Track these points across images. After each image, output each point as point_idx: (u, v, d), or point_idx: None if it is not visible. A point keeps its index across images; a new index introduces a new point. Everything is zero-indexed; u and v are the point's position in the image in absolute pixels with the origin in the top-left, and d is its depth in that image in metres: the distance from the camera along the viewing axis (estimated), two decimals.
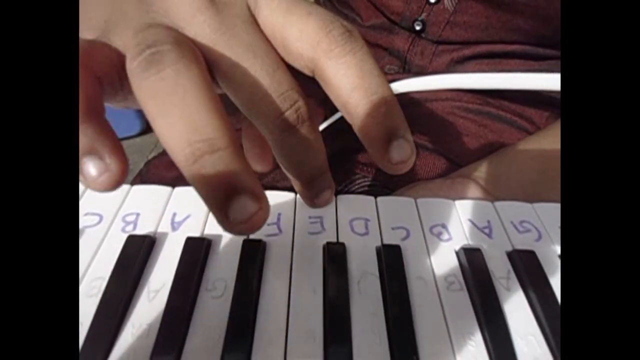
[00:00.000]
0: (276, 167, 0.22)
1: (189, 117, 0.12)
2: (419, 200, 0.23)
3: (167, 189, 0.22)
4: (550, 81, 0.33)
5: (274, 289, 0.18)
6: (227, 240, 0.20)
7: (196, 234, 0.20)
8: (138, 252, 0.18)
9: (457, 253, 0.20)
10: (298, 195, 0.22)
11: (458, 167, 0.33)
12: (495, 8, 0.33)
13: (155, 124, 0.13)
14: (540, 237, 0.21)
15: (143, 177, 0.39)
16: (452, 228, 0.21)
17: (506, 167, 0.30)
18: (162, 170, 0.38)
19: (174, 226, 0.20)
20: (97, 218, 0.20)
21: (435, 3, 0.35)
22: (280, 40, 0.15)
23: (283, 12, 0.15)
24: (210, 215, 0.21)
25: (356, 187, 0.33)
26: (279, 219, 0.21)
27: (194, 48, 0.14)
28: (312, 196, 0.18)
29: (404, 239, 0.21)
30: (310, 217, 0.21)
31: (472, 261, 0.19)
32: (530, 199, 0.23)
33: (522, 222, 0.22)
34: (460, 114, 0.37)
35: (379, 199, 0.23)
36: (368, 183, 0.33)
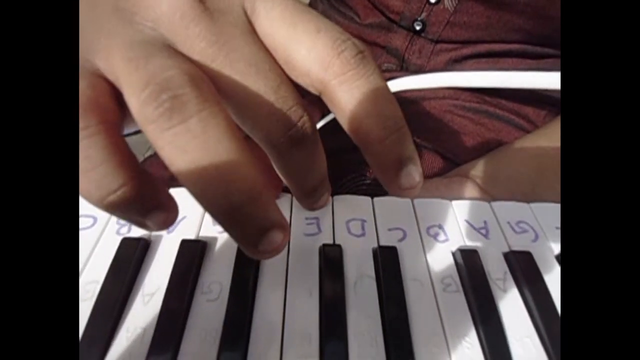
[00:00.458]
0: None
1: (225, 172, 0.12)
2: (416, 201, 0.23)
3: None
4: (548, 79, 0.33)
5: (270, 291, 0.18)
6: (222, 243, 0.20)
7: (191, 236, 0.20)
8: (132, 255, 0.18)
9: (453, 254, 0.20)
10: (294, 197, 0.22)
11: (455, 165, 0.33)
12: (495, 8, 0.33)
13: (184, 180, 0.13)
14: (537, 237, 0.21)
15: None
16: (449, 229, 0.21)
17: (503, 166, 0.30)
18: (158, 169, 0.38)
19: (169, 228, 0.20)
20: (91, 220, 0.20)
21: (436, 3, 0.35)
22: (284, 54, 0.15)
23: (287, 25, 0.14)
24: (206, 217, 0.21)
25: (353, 185, 0.33)
26: None
27: (209, 83, 0.13)
28: (312, 203, 0.18)
29: (401, 240, 0.20)
30: (306, 219, 0.21)
31: (468, 262, 0.19)
32: (528, 198, 0.23)
33: (518, 222, 0.22)
34: (457, 112, 0.37)
35: (376, 199, 0.23)
36: (365, 182, 0.33)
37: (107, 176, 0.12)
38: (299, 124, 0.14)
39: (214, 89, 0.13)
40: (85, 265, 0.18)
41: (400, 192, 0.16)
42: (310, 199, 0.18)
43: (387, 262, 0.19)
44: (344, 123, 0.15)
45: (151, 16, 0.13)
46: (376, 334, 0.16)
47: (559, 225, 0.22)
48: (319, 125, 0.35)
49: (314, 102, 0.21)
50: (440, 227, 0.21)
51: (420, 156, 0.34)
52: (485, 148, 0.34)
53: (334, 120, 0.36)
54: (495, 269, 0.19)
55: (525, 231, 0.21)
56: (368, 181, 0.33)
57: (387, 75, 0.39)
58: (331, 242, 0.20)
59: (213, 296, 0.17)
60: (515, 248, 0.20)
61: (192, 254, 0.18)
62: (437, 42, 0.37)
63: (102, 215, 0.20)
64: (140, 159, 0.42)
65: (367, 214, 0.22)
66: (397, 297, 0.18)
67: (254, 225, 0.13)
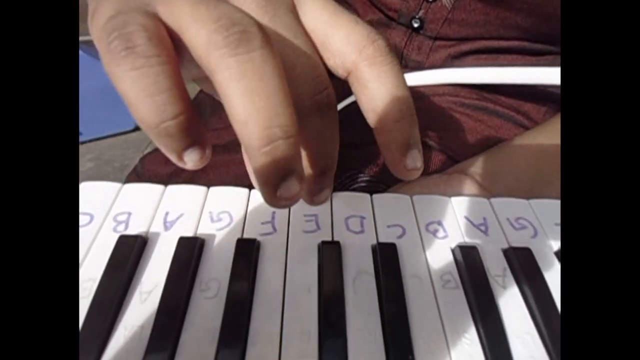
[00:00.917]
0: None
1: (272, 103, 0.13)
2: (415, 197, 0.23)
3: (160, 187, 0.22)
4: (548, 75, 0.32)
5: (268, 288, 0.18)
6: (220, 240, 0.19)
7: (189, 233, 0.20)
8: (130, 253, 0.18)
9: (452, 251, 0.20)
10: None
11: (455, 162, 0.33)
12: (493, 5, 0.33)
13: (234, 103, 0.13)
14: (536, 233, 0.21)
15: (138, 173, 0.39)
16: (448, 225, 0.21)
17: (503, 162, 0.30)
18: (157, 166, 0.38)
19: (167, 226, 0.20)
20: (88, 218, 0.20)
21: (433, 0, 0.35)
22: (322, 37, 0.17)
23: (329, 13, 0.17)
24: (204, 214, 0.21)
25: (352, 182, 0.33)
26: (273, 217, 0.21)
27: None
28: (315, 192, 0.18)
29: (400, 236, 0.20)
30: (305, 215, 0.21)
31: (467, 259, 0.19)
32: (527, 194, 0.23)
33: (518, 218, 0.22)
34: (457, 109, 0.37)
35: (375, 196, 0.22)
36: (364, 179, 0.33)
37: (169, 103, 0.13)
38: (325, 92, 0.16)
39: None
40: (82, 262, 0.18)
41: (405, 172, 0.17)
42: (315, 185, 0.18)
43: (386, 258, 0.19)
44: (365, 101, 0.17)
45: None
46: (375, 330, 0.16)
47: (558, 221, 0.22)
48: None
49: None
50: (440, 223, 0.21)
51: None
52: (485, 145, 0.34)
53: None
54: (495, 265, 0.19)
55: (524, 227, 0.21)
56: (367, 178, 0.32)
57: None
58: (330, 239, 0.20)
59: (211, 293, 0.17)
60: (515, 244, 0.20)
61: (190, 251, 0.18)
62: (435, 39, 0.37)
63: (99, 212, 0.20)
64: (139, 155, 0.42)
65: (366, 211, 0.22)
66: (396, 293, 0.17)
67: (281, 165, 0.14)
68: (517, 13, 0.33)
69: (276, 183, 0.14)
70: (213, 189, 0.22)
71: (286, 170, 0.14)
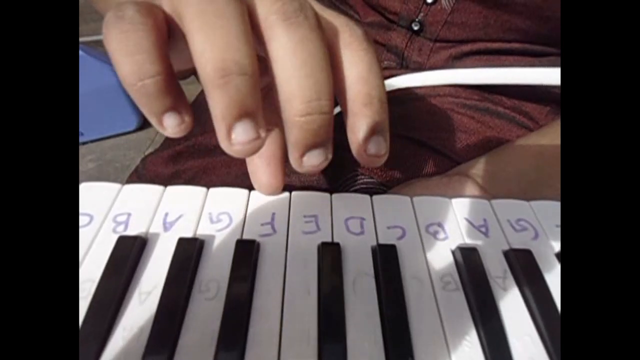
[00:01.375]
0: None
1: (229, 38, 0.14)
2: (415, 199, 0.22)
3: (159, 188, 0.22)
4: (550, 75, 0.32)
5: (268, 289, 0.18)
6: (220, 241, 0.19)
7: (188, 234, 0.19)
8: (129, 253, 0.18)
9: (453, 252, 0.20)
10: (293, 194, 0.22)
11: (456, 164, 0.33)
12: (492, 8, 0.33)
13: (195, 37, 0.14)
14: (537, 235, 0.21)
15: (139, 173, 0.39)
16: (449, 226, 0.21)
17: (504, 164, 0.30)
18: (158, 167, 0.38)
19: (166, 226, 0.20)
20: (87, 218, 0.20)
21: (433, 3, 0.35)
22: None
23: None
24: (203, 215, 0.21)
25: (353, 184, 0.33)
26: (273, 218, 0.21)
27: None
28: (301, 149, 0.16)
29: (400, 238, 0.20)
30: (305, 217, 0.21)
31: (468, 260, 0.19)
32: (528, 196, 0.23)
33: (518, 220, 0.22)
34: (458, 110, 0.37)
35: (375, 197, 0.22)
36: (365, 180, 0.33)
37: (148, 62, 0.14)
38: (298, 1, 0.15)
39: None
40: (81, 263, 0.18)
41: (365, 157, 0.17)
42: (299, 134, 0.15)
43: (386, 260, 0.19)
44: (336, 83, 0.17)
45: None
46: (375, 332, 0.16)
47: (559, 223, 0.22)
48: None
49: None
50: (440, 225, 0.21)
51: (421, 154, 0.34)
52: (486, 146, 0.34)
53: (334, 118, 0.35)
54: (495, 267, 0.19)
55: (525, 229, 0.21)
56: (367, 179, 0.32)
57: (388, 73, 0.38)
58: (330, 240, 0.20)
59: (210, 295, 0.17)
60: (515, 246, 0.20)
61: (189, 252, 0.18)
62: (436, 41, 0.37)
63: (99, 213, 0.20)
64: (141, 156, 0.42)
65: (366, 212, 0.21)
66: (396, 295, 0.17)
67: (235, 103, 0.14)
68: (517, 16, 0.33)
69: (229, 122, 0.14)
70: (212, 190, 0.22)
71: (241, 110, 0.14)
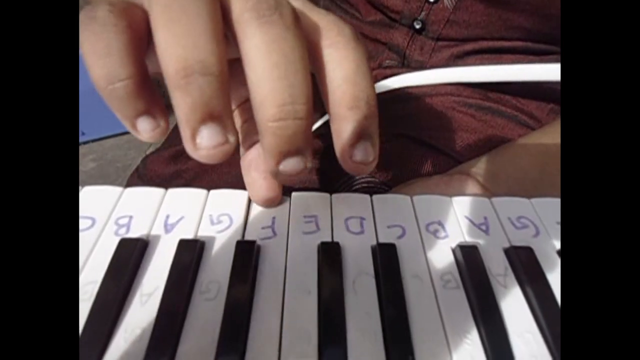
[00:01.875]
0: None
1: (194, 35, 0.13)
2: (415, 198, 0.22)
3: (160, 190, 0.22)
4: (552, 71, 0.32)
5: (268, 289, 0.18)
6: (220, 242, 0.20)
7: (189, 236, 0.20)
8: (130, 255, 0.18)
9: (453, 250, 0.20)
10: (293, 195, 0.22)
11: (457, 163, 0.33)
12: (495, 6, 0.33)
13: (159, 34, 0.13)
14: (537, 233, 0.21)
15: (140, 173, 0.39)
16: (449, 225, 0.21)
17: (505, 163, 0.29)
18: (159, 167, 0.38)
19: (167, 228, 0.20)
20: (89, 221, 0.20)
21: (435, 2, 0.35)
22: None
23: (301, 4, 0.16)
24: (204, 217, 0.21)
25: (353, 184, 0.33)
26: (273, 219, 0.21)
27: None
28: (276, 156, 0.15)
29: (400, 237, 0.20)
30: (304, 217, 0.21)
31: (468, 258, 0.19)
32: (530, 195, 0.23)
33: (519, 217, 0.22)
34: (460, 109, 0.37)
35: (375, 197, 0.22)
36: (365, 180, 0.33)
37: (118, 66, 0.14)
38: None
39: None
40: (83, 266, 0.18)
41: (351, 164, 0.16)
42: (275, 137, 0.14)
43: (386, 259, 0.19)
44: (321, 85, 0.16)
45: None
46: (376, 331, 0.16)
47: (560, 220, 0.21)
48: (318, 124, 0.35)
49: (315, 101, 0.21)
50: (440, 223, 0.21)
51: (422, 154, 0.34)
52: (488, 145, 0.34)
53: None
54: (496, 264, 0.19)
55: (525, 226, 0.21)
56: (367, 179, 0.32)
57: (389, 72, 0.38)
58: (330, 240, 0.20)
59: (211, 295, 0.17)
60: (516, 244, 0.20)
61: (190, 253, 0.18)
62: (437, 39, 0.37)
63: (101, 216, 0.20)
64: (142, 156, 0.42)
65: (365, 212, 0.22)
66: (397, 294, 0.17)
67: (198, 104, 0.13)
68: (519, 14, 0.33)
69: (193, 126, 0.14)
70: (213, 192, 0.22)
71: (205, 113, 0.13)
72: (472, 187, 0.26)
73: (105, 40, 0.14)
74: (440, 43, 0.37)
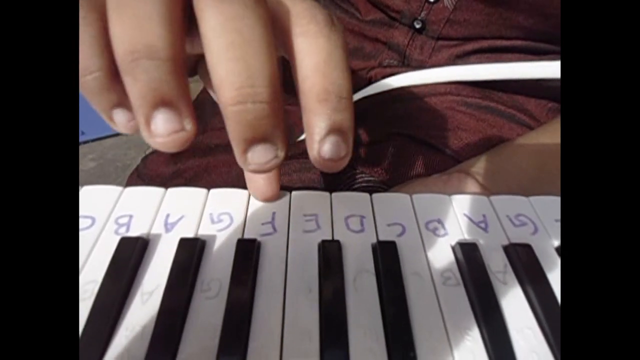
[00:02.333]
0: None
1: (142, 19, 0.13)
2: (415, 196, 0.23)
3: (160, 190, 0.22)
4: (549, 69, 0.32)
5: (269, 288, 0.18)
6: (221, 241, 0.20)
7: (190, 234, 0.20)
8: (131, 254, 0.18)
9: (453, 248, 0.20)
10: (293, 194, 0.22)
11: (456, 162, 0.33)
12: (495, 6, 0.33)
13: (110, 19, 0.13)
14: (536, 230, 0.21)
15: (140, 173, 0.39)
16: (448, 223, 0.21)
17: (504, 163, 0.30)
18: (159, 166, 0.38)
19: (168, 227, 0.20)
20: (89, 221, 0.20)
21: (435, 2, 0.35)
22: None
23: None
24: (204, 215, 0.21)
25: (352, 182, 0.33)
26: (273, 217, 0.21)
27: None
28: (241, 144, 0.14)
29: (400, 235, 0.20)
30: (305, 215, 0.21)
31: (468, 256, 0.19)
32: (528, 194, 0.23)
33: (518, 215, 0.22)
34: (459, 108, 0.37)
35: (374, 195, 0.22)
36: (365, 179, 0.33)
37: (86, 58, 0.14)
38: None
39: None
40: (84, 265, 0.18)
41: (320, 159, 0.15)
42: (239, 127, 0.14)
43: (386, 257, 0.19)
44: (293, 76, 0.15)
45: None
46: (377, 329, 0.16)
47: (558, 217, 0.22)
48: None
49: None
50: (440, 221, 0.21)
51: (421, 153, 0.34)
52: (487, 144, 0.34)
53: None
54: (496, 262, 0.19)
55: (524, 224, 0.21)
56: (367, 178, 0.32)
57: (389, 70, 0.38)
58: (330, 238, 0.20)
59: (212, 294, 0.17)
60: (515, 241, 0.20)
61: (191, 252, 0.18)
62: (438, 39, 0.37)
63: (101, 215, 0.20)
64: (142, 155, 0.42)
65: (365, 210, 0.22)
66: (397, 291, 0.17)
67: (148, 90, 0.13)
68: (519, 13, 0.33)
69: (146, 112, 0.13)
70: (213, 190, 0.22)
71: (156, 98, 0.13)
72: (471, 186, 0.26)
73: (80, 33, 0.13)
74: (440, 42, 0.37)
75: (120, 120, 0.15)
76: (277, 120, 0.14)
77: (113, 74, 0.14)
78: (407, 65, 0.39)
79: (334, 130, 0.15)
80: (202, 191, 0.22)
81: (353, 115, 0.15)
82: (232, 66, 0.13)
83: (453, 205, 0.22)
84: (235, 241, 0.19)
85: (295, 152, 0.35)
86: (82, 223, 0.20)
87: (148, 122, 0.13)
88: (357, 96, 0.39)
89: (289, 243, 0.20)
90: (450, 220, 0.21)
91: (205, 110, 0.42)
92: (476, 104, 0.37)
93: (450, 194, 0.23)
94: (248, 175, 0.21)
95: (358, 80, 0.40)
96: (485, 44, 0.36)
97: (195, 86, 0.21)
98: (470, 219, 0.21)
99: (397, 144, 0.35)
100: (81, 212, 0.20)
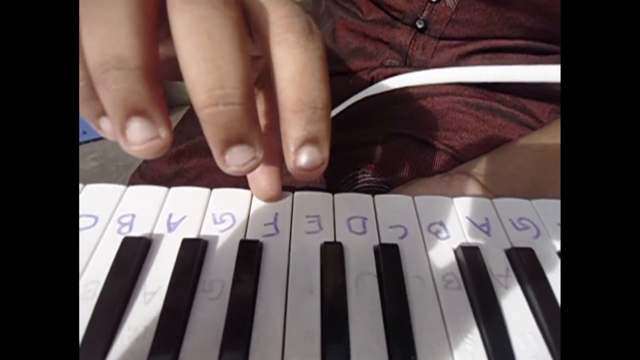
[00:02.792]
0: None
1: (111, 28, 0.12)
2: (417, 198, 0.23)
3: (163, 189, 0.22)
4: (552, 73, 0.32)
5: (271, 289, 0.18)
6: (223, 241, 0.20)
7: (192, 234, 0.20)
8: (134, 254, 0.18)
9: (455, 251, 0.20)
10: (295, 195, 0.22)
11: (458, 162, 0.33)
12: (497, 5, 0.33)
13: (80, 29, 0.13)
14: (538, 234, 0.21)
15: (142, 172, 0.39)
16: (450, 226, 0.21)
17: (506, 163, 0.30)
18: (161, 166, 0.38)
19: (170, 227, 0.20)
20: (92, 220, 0.20)
21: (437, 1, 0.35)
22: (254, 21, 0.15)
23: None
24: (207, 216, 0.21)
25: (354, 183, 0.33)
26: (275, 218, 0.21)
27: None
28: (217, 146, 0.14)
29: (402, 237, 0.20)
30: (307, 217, 0.21)
31: (470, 259, 0.19)
32: (530, 195, 0.23)
33: (520, 219, 0.22)
34: (460, 109, 0.37)
35: (377, 197, 0.22)
36: (367, 179, 0.33)
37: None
38: None
39: None
40: (86, 265, 0.18)
41: (295, 169, 0.15)
42: (217, 131, 0.14)
43: (388, 259, 0.19)
44: (272, 86, 0.15)
45: None
46: (378, 331, 0.16)
47: (560, 221, 0.22)
48: None
49: None
50: (442, 224, 0.21)
51: (423, 153, 0.34)
52: (489, 145, 0.34)
53: (334, 119, 0.36)
54: (497, 265, 0.19)
55: (527, 228, 0.21)
56: (369, 179, 0.32)
57: (391, 71, 0.38)
58: (332, 239, 0.20)
59: (214, 294, 0.17)
60: (517, 245, 0.20)
61: (193, 252, 0.18)
62: (440, 39, 0.37)
63: (104, 214, 0.20)
64: None
65: (368, 212, 0.22)
66: (399, 294, 0.18)
67: (119, 100, 0.13)
68: (521, 13, 0.33)
69: (120, 121, 0.13)
70: (216, 190, 0.22)
71: (127, 107, 0.13)
72: (472, 187, 0.26)
73: None
74: (442, 42, 0.37)
75: (106, 128, 0.15)
76: (252, 121, 0.14)
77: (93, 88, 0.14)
78: (409, 65, 0.39)
79: (309, 140, 0.15)
80: (204, 191, 0.22)
81: (329, 125, 0.15)
82: (201, 68, 0.13)
83: (455, 208, 0.22)
84: (237, 242, 0.19)
85: None
86: (85, 222, 0.20)
87: (123, 131, 0.13)
88: (359, 96, 0.39)
89: (292, 244, 0.20)
90: (453, 222, 0.21)
91: None
92: (478, 104, 0.37)
93: (452, 195, 0.23)
94: (250, 176, 0.22)
95: (360, 80, 0.40)
96: (487, 43, 0.36)
97: None
98: (472, 222, 0.21)
99: (398, 144, 0.35)
100: (84, 211, 0.20)
